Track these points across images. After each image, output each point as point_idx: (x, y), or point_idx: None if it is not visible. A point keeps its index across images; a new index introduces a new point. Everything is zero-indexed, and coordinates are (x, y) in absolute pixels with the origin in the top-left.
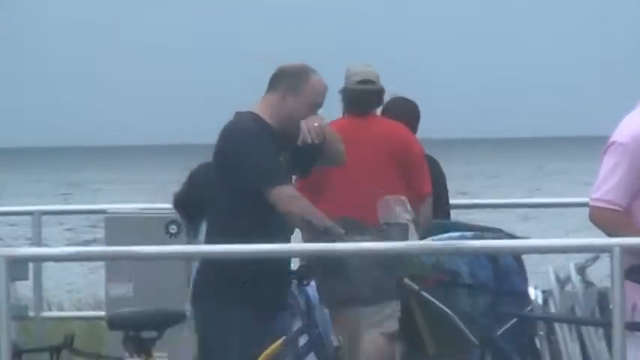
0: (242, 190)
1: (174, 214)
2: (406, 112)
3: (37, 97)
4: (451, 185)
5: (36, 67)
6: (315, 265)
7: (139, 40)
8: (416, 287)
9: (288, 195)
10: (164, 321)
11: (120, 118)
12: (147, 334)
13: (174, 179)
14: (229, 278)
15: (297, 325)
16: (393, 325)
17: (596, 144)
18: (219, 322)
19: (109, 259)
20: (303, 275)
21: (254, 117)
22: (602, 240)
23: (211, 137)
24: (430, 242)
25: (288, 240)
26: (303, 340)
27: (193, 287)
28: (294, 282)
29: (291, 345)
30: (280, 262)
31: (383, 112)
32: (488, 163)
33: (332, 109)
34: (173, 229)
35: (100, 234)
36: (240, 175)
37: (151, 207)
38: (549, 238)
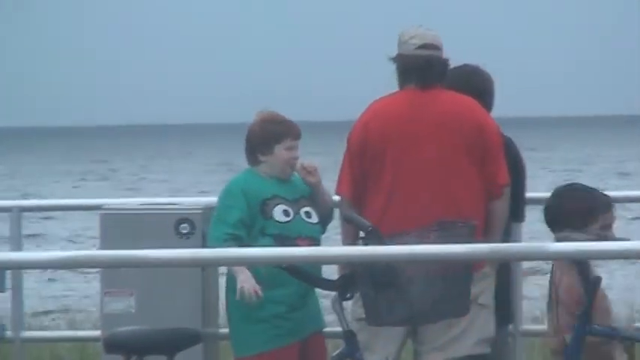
0: None
1: (187, 210)
2: (473, 86)
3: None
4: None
5: None
6: (359, 274)
7: None
8: None
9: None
10: (174, 343)
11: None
12: (153, 359)
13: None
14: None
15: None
16: (461, 349)
17: None
18: None
19: (105, 266)
20: (345, 287)
21: None
22: None
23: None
24: (503, 245)
25: None
26: None
27: None
28: (334, 295)
29: None
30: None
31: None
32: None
33: (387, 82)
34: (185, 228)
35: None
36: None
37: (156, 202)
38: None
